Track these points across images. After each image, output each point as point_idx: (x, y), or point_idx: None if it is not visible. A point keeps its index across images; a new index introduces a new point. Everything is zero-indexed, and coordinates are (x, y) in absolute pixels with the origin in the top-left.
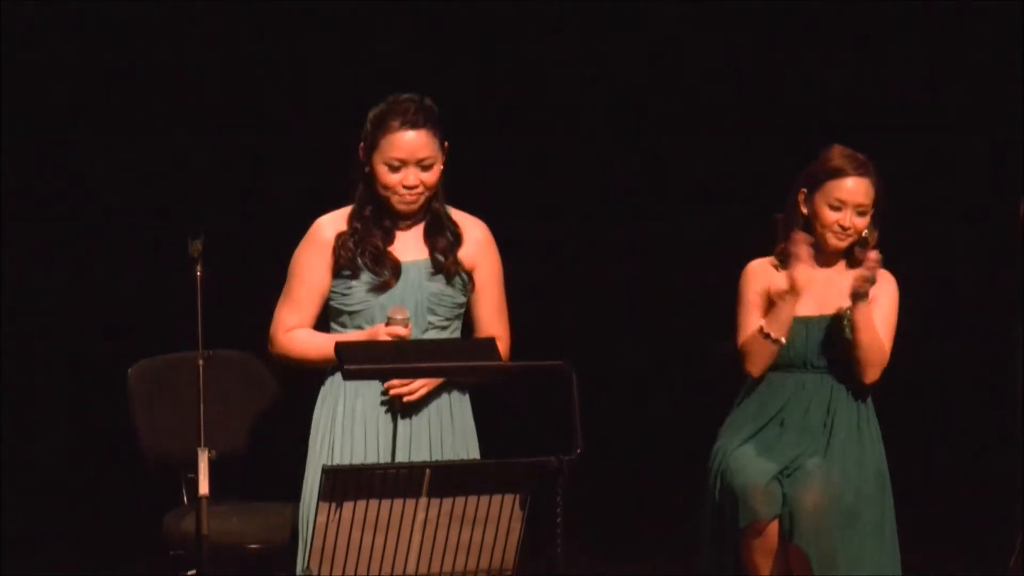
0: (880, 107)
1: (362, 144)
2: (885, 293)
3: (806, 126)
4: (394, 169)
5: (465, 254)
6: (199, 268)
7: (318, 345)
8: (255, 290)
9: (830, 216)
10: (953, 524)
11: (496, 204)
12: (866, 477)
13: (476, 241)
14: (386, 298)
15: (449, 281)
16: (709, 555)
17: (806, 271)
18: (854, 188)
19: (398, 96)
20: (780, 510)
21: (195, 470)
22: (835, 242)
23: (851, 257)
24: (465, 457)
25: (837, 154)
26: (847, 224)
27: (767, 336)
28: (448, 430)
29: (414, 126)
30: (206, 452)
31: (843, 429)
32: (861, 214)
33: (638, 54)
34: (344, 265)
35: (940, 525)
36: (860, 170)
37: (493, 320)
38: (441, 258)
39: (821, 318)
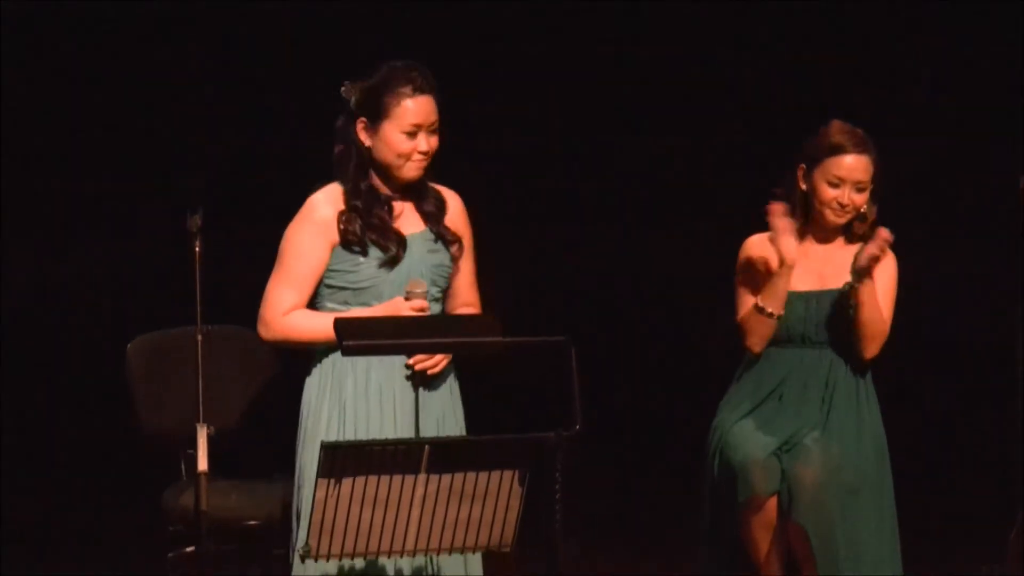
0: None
1: (362, 118)
2: (885, 268)
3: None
4: (411, 136)
5: (450, 222)
6: (198, 243)
7: (323, 326)
8: (255, 265)
9: (829, 193)
10: (953, 507)
11: (499, 183)
12: (865, 452)
13: (457, 210)
14: (395, 273)
15: (447, 249)
16: (708, 531)
17: (790, 241)
18: (853, 165)
19: (395, 64)
20: (779, 485)
21: (194, 446)
22: (833, 218)
23: (849, 232)
24: (461, 432)
25: (836, 130)
26: (846, 201)
27: (762, 311)
28: (450, 406)
29: (424, 91)
30: (205, 428)
31: (842, 404)
32: (860, 190)
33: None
34: (352, 242)
35: (940, 509)
36: (859, 147)
37: (470, 289)
38: (435, 226)
39: (820, 293)
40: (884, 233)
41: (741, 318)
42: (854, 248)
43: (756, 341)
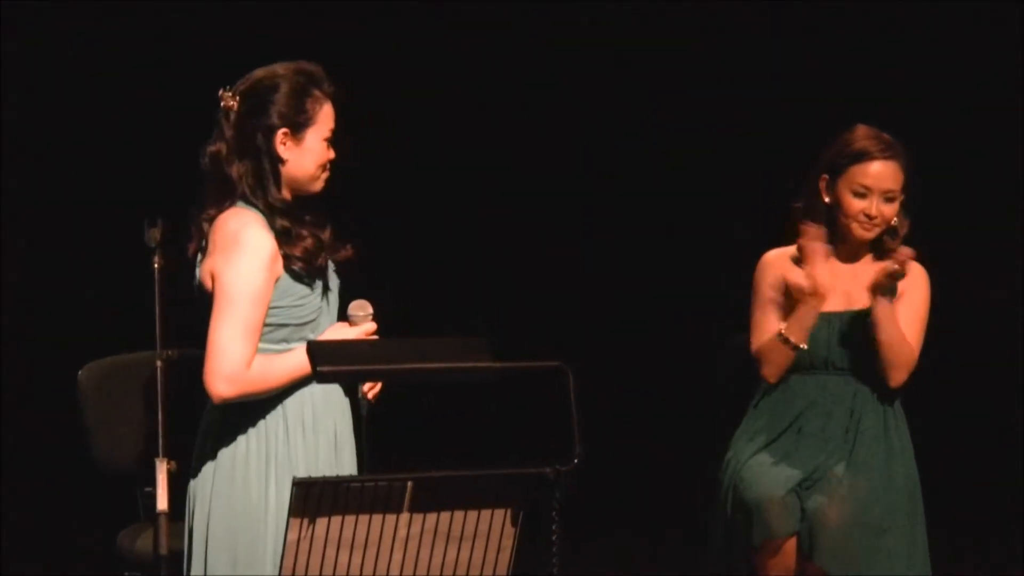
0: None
1: (285, 129)
2: (916, 289)
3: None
4: (329, 144)
5: None
6: (158, 258)
7: (287, 369)
8: None
9: (855, 204)
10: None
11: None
12: (895, 489)
13: None
14: (327, 300)
15: (337, 266)
16: (722, 574)
17: (825, 269)
18: (881, 172)
19: (297, 64)
20: (798, 526)
21: (153, 483)
22: (861, 233)
23: (880, 248)
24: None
25: (861, 135)
26: (874, 213)
27: (786, 341)
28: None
29: (332, 94)
30: (165, 463)
31: (869, 436)
32: (889, 200)
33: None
34: (301, 273)
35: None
36: (887, 152)
37: None
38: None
39: (845, 314)
40: (906, 250)
41: (759, 347)
42: (881, 266)
43: (774, 372)
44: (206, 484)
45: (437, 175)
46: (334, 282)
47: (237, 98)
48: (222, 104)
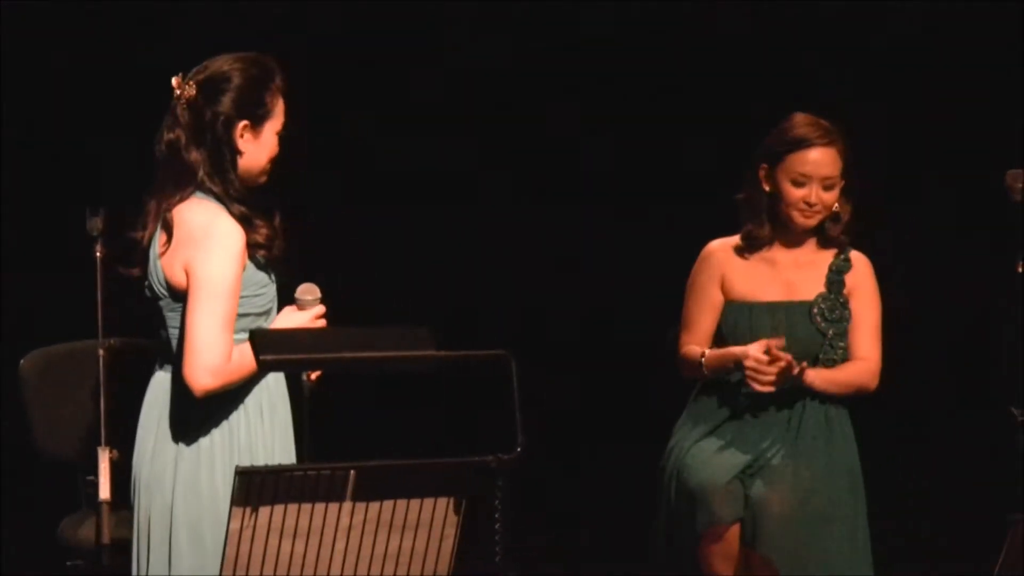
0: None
1: (245, 122)
2: (863, 287)
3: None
4: (280, 137)
5: None
6: (99, 247)
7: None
8: None
9: (794, 192)
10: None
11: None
12: (837, 478)
13: None
14: (274, 289)
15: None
16: (663, 563)
17: (759, 355)
18: (819, 159)
19: (255, 55)
20: (742, 512)
21: (95, 472)
22: (802, 221)
23: (822, 235)
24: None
25: (799, 122)
26: (813, 200)
27: (702, 368)
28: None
29: (284, 88)
30: (107, 451)
31: (811, 425)
32: (828, 188)
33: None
34: (264, 262)
35: (925, 532)
36: (825, 139)
37: None
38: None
39: (789, 305)
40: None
41: (684, 356)
42: (827, 254)
43: (689, 377)
44: (165, 473)
45: (380, 164)
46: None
47: (194, 87)
48: (177, 92)
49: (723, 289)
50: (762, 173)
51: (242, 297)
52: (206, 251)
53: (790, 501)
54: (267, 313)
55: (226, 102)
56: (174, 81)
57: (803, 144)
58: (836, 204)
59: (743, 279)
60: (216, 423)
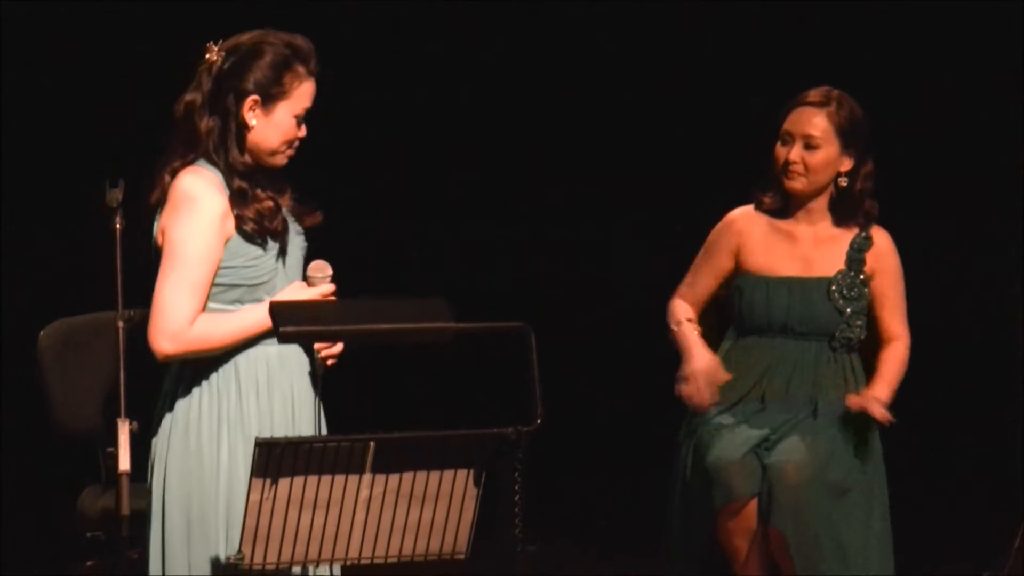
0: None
1: (255, 97)
2: (885, 264)
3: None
4: (299, 121)
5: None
6: (119, 219)
7: (239, 326)
8: None
9: (779, 151)
10: (951, 511)
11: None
12: (854, 448)
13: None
14: (284, 261)
15: (305, 231)
16: (678, 537)
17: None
18: (799, 118)
19: (289, 37)
20: (759, 487)
21: (114, 444)
22: (788, 183)
23: (838, 212)
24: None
25: (809, 90)
26: (793, 158)
27: (670, 334)
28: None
29: (315, 73)
30: (127, 424)
31: (830, 399)
32: (811, 148)
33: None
34: (253, 233)
35: (935, 519)
36: (816, 101)
37: None
38: (297, 207)
39: (805, 281)
40: (855, 399)
41: (671, 309)
42: (848, 231)
43: None
44: (163, 443)
45: (406, 141)
46: (297, 245)
47: (221, 55)
48: (206, 56)
49: (738, 260)
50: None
51: (230, 267)
52: (180, 217)
53: (806, 473)
54: (263, 285)
55: (244, 75)
56: (207, 45)
57: (796, 104)
58: (823, 170)
59: (761, 252)
60: (205, 395)
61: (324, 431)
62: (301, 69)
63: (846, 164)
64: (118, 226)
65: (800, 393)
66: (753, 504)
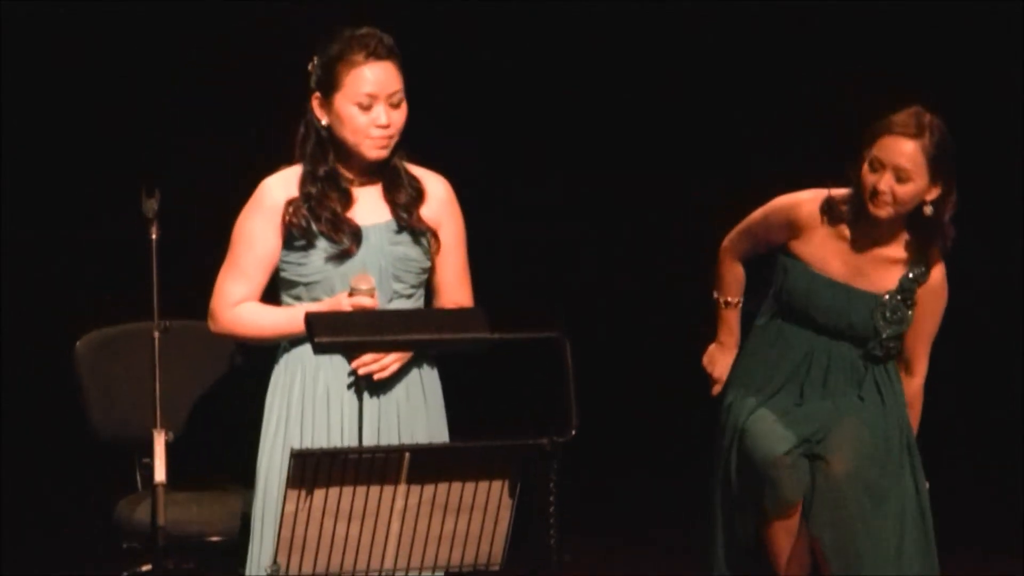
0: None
1: (317, 93)
2: (933, 299)
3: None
4: (364, 108)
5: (427, 212)
6: (155, 229)
7: (273, 321)
8: (218, 253)
9: (868, 177)
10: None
11: (490, 163)
12: (891, 447)
13: (438, 199)
14: (347, 266)
15: (415, 242)
16: (722, 531)
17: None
18: (892, 146)
19: (352, 30)
20: (807, 487)
21: (150, 454)
22: (872, 209)
23: (918, 234)
24: (437, 438)
25: (903, 111)
26: (882, 188)
27: (717, 302)
28: (420, 409)
29: (380, 57)
30: (163, 434)
31: (867, 399)
32: (902, 180)
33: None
34: (298, 234)
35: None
36: (910, 130)
37: (456, 287)
38: (405, 216)
39: (849, 290)
40: None
41: (719, 267)
42: (905, 259)
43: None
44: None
45: (441, 144)
46: (381, 254)
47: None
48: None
49: (791, 242)
50: (863, 153)
51: (285, 263)
52: (243, 210)
53: (851, 463)
54: (317, 284)
55: (309, 77)
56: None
57: (888, 129)
58: (911, 201)
59: (815, 243)
60: (279, 392)
61: (364, 441)
62: (354, 57)
63: (933, 193)
64: (154, 236)
65: (837, 386)
66: (799, 504)
